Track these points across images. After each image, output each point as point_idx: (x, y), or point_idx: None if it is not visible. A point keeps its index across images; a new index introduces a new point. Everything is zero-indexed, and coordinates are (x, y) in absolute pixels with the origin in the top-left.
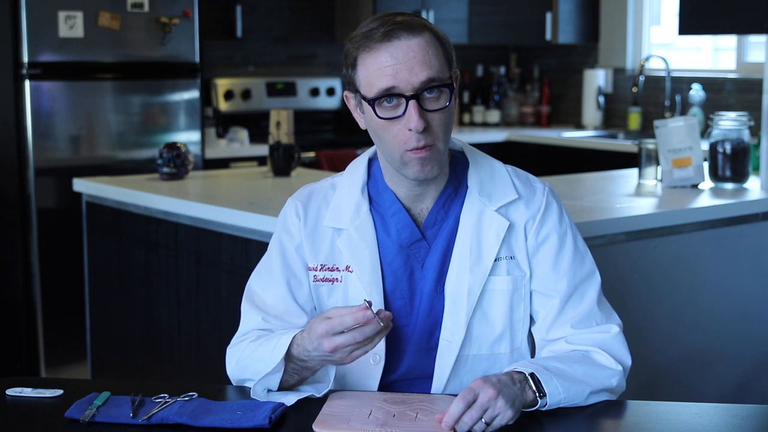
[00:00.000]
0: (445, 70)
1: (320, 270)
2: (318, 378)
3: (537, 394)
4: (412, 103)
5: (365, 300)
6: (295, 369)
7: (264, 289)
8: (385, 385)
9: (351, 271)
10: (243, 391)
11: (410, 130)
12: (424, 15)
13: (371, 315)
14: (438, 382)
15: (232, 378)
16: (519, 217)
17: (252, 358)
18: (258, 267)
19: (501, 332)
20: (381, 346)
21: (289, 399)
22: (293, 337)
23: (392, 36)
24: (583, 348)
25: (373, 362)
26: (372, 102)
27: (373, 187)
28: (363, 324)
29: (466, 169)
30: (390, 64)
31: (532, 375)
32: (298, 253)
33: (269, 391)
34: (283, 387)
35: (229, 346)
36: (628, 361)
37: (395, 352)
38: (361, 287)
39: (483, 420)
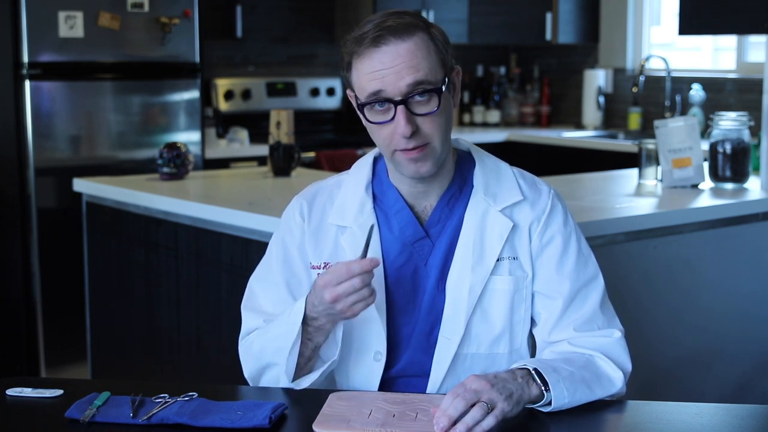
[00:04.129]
0: (438, 72)
1: (324, 268)
2: (328, 343)
3: (542, 388)
4: (400, 108)
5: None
6: (308, 334)
7: (264, 290)
8: (383, 381)
9: None
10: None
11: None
12: (423, 15)
13: (378, 262)
14: (435, 379)
15: (249, 376)
16: (523, 218)
17: (267, 339)
18: (259, 267)
19: (500, 332)
20: (382, 342)
21: (306, 380)
22: (305, 299)
23: (380, 42)
24: (586, 351)
25: (374, 359)
26: (362, 106)
27: (378, 185)
28: (367, 270)
29: (471, 169)
30: (378, 69)
31: (535, 370)
32: (299, 252)
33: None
34: (299, 361)
35: (239, 345)
36: (629, 367)
37: (395, 348)
38: None
39: (483, 402)
